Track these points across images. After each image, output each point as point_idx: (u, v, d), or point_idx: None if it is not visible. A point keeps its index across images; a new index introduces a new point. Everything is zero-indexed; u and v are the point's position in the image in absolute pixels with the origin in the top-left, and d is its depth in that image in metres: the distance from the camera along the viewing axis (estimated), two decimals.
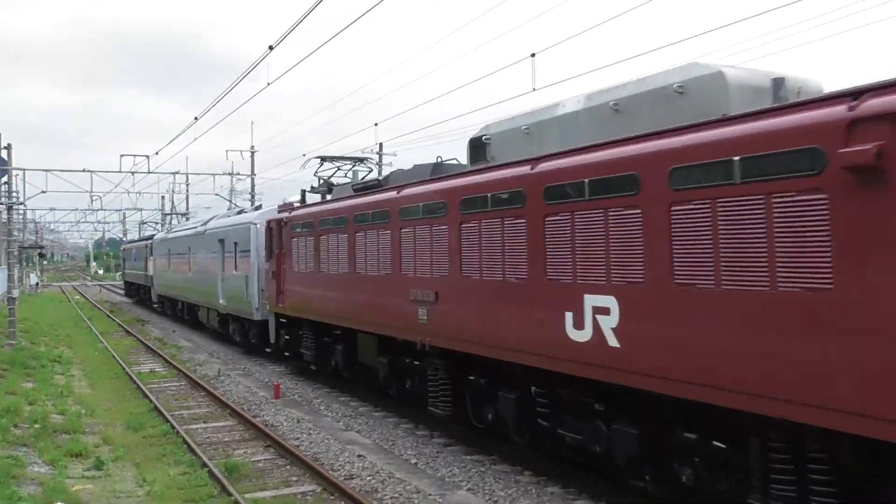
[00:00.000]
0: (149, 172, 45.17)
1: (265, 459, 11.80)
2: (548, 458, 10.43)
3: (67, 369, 21.64)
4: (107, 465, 11.35)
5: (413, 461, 11.46)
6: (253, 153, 50.80)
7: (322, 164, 19.38)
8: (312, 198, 18.99)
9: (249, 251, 22.52)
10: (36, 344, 26.36)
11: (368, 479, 10.43)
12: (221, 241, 26.02)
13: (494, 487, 10.01)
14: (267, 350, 21.71)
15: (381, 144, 43.31)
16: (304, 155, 31.03)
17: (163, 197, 67.65)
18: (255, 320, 22.20)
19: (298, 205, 18.79)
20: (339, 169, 19.51)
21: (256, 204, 25.74)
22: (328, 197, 18.03)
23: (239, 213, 27.86)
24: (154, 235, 46.33)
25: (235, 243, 24.21)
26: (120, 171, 44.84)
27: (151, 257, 41.76)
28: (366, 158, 20.05)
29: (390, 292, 12.78)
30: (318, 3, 14.21)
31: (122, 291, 64.04)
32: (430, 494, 9.65)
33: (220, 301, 25.70)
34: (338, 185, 18.79)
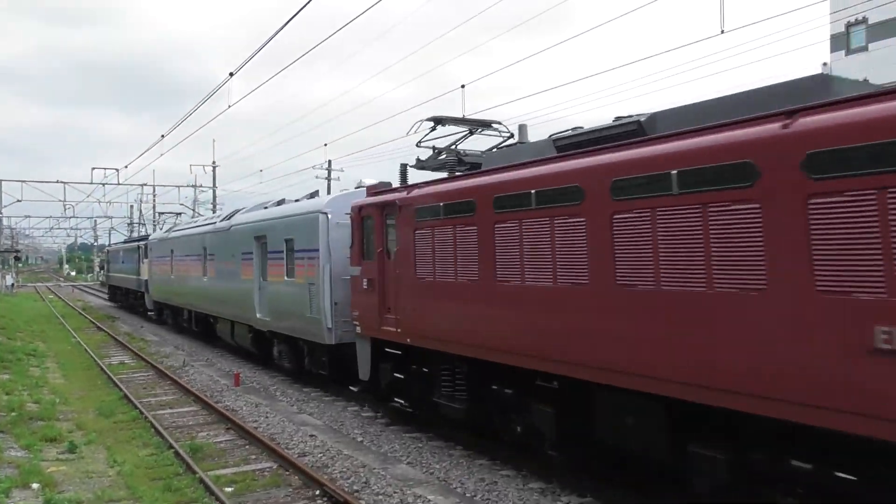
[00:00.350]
0: (118, 184, 44.04)
1: (226, 440, 11.55)
2: (476, 435, 10.44)
3: (42, 362, 20.76)
4: (79, 449, 10.94)
5: (359, 439, 11.38)
6: (215, 168, 49.93)
7: (434, 129, 12.23)
8: (418, 176, 12.30)
9: (317, 251, 14.35)
10: (12, 339, 25.21)
11: (320, 455, 10.32)
12: (260, 239, 17.71)
13: (430, 461, 10.02)
14: (352, 389, 13.42)
15: (329, 161, 43.12)
16: (261, 170, 30.57)
17: (131, 206, 65.98)
18: (325, 345, 14.19)
19: (395, 186, 12.10)
20: (470, 133, 12.28)
21: (311, 191, 17.86)
22: (447, 171, 11.73)
23: (279, 203, 18.66)
24: (149, 235, 37.17)
25: (289, 241, 15.94)
26: (91, 183, 43.56)
27: (146, 259, 32.61)
28: (494, 122, 12.47)
29: (777, 328, 5.60)
30: (273, 36, 14.04)
31: (98, 293, 61.49)
32: (374, 468, 9.60)
33: (258, 315, 17.50)
34: (478, 152, 11.80)
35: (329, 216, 14.40)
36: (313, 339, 14.73)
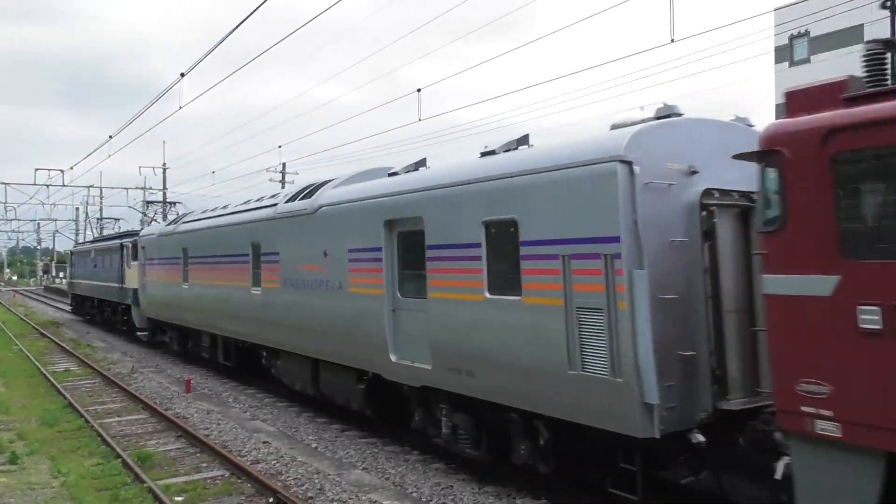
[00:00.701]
0: (63, 185, 42.70)
1: (177, 448, 11.29)
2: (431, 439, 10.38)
3: None
4: (21, 459, 10.56)
5: (314, 445, 11.25)
6: (165, 169, 48.83)
7: None
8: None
9: (614, 241, 6.85)
10: None
11: (273, 462, 10.16)
12: (397, 225, 10.23)
13: (386, 466, 9.96)
14: None
15: (284, 164, 42.72)
16: (213, 172, 29.94)
17: (77, 209, 64.25)
18: (639, 439, 6.79)
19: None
20: None
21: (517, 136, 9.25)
22: None
23: (419, 166, 10.98)
24: (138, 231, 28.69)
25: (500, 225, 8.27)
26: (35, 184, 42.21)
27: (133, 262, 25.02)
28: None
29: None
30: (226, 36, 13.83)
31: (43, 298, 59.46)
32: (329, 474, 9.50)
33: (393, 357, 10.13)
34: None
35: (636, 170, 6.90)
36: (586, 421, 7.34)
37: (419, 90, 19.26)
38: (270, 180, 42.41)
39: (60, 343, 25.76)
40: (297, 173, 42.72)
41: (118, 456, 10.48)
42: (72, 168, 39.84)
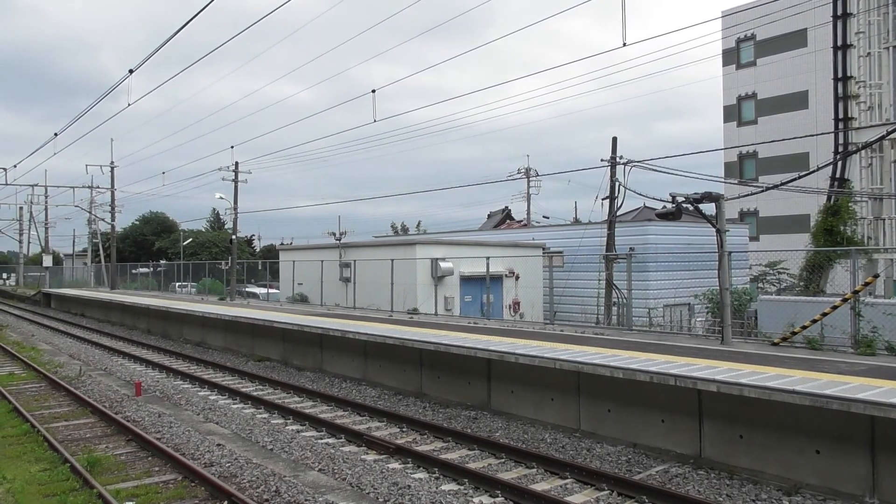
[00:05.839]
0: (6, 184, 41.33)
1: (127, 453, 11.04)
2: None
3: None
4: None
5: (269, 447, 11.13)
6: (113, 168, 47.65)
7: None
8: None
9: None
10: None
11: (227, 465, 10.02)
12: None
13: (343, 467, 9.92)
14: None
15: (237, 163, 42.11)
16: (163, 173, 29.34)
17: (20, 208, 62.32)
18: None
19: None
20: None
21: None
22: None
23: None
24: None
25: None
26: None
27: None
28: None
29: None
30: (175, 33, 13.57)
31: None
32: (285, 476, 9.41)
33: None
34: None
35: None
36: None
37: (374, 91, 19.26)
38: (223, 179, 41.75)
39: (4, 346, 24.92)
40: (251, 172, 42.11)
41: (66, 461, 10.19)
42: (15, 166, 38.53)
